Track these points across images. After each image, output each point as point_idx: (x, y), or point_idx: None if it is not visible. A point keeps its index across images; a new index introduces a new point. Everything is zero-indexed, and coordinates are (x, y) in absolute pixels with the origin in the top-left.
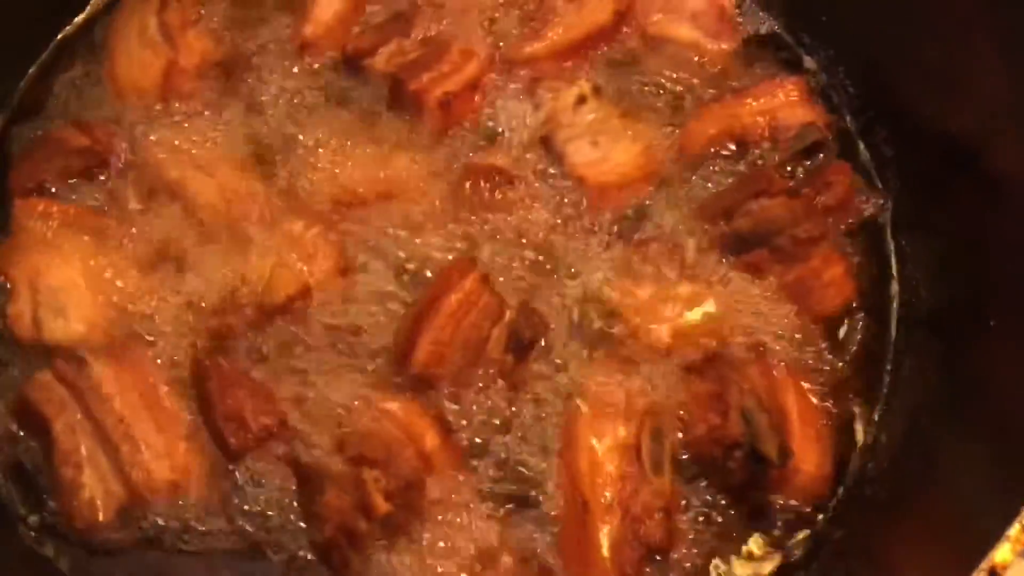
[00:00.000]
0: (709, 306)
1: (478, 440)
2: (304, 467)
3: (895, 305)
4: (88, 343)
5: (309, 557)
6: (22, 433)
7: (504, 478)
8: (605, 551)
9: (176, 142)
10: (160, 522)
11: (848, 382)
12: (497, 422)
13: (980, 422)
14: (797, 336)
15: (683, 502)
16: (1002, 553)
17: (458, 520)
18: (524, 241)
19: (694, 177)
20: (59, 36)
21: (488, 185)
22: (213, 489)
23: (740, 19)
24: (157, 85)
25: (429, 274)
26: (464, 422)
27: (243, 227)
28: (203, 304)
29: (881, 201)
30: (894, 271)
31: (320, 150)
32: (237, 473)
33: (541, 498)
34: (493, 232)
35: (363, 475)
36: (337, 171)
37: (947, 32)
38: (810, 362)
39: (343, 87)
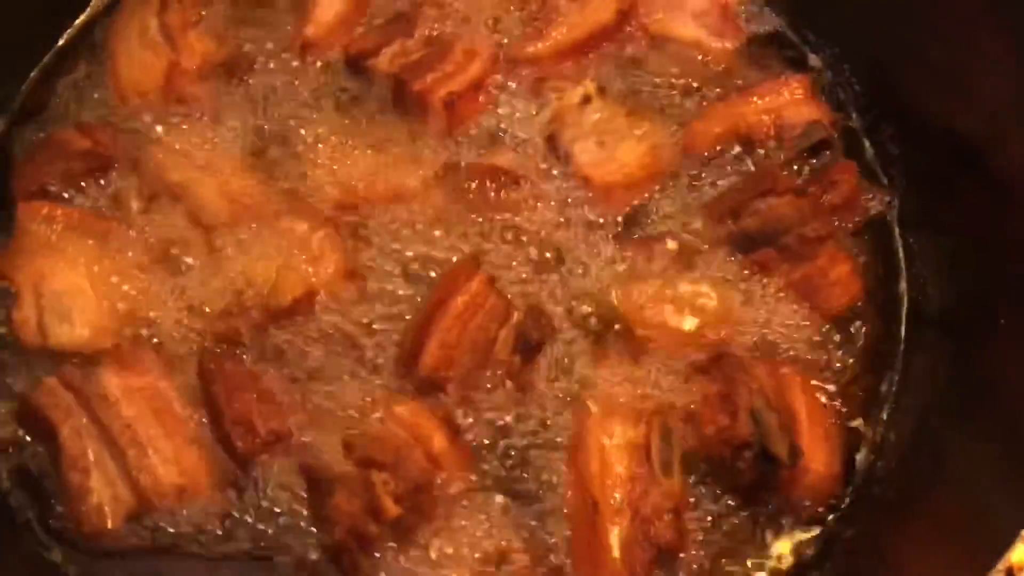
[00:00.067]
0: (716, 305)
1: (486, 442)
2: (313, 470)
3: (903, 303)
4: (94, 348)
5: (318, 561)
6: (28, 439)
7: (513, 480)
8: (616, 552)
9: (178, 144)
10: (168, 527)
11: (856, 381)
12: (505, 424)
13: (991, 421)
14: (804, 335)
15: (692, 502)
16: (1019, 554)
17: (467, 522)
18: (530, 241)
19: (700, 176)
20: (60, 38)
21: (493, 186)
22: (221, 494)
23: (744, 17)
24: (159, 87)
25: (435, 275)
26: (472, 424)
27: (247, 229)
28: (208, 307)
29: (887, 199)
30: (902, 269)
31: (323, 151)
32: (245, 477)
33: (550, 499)
34: (499, 233)
35: (372, 478)
36: (341, 172)
37: (953, 30)
38: (818, 361)
39: (346, 88)
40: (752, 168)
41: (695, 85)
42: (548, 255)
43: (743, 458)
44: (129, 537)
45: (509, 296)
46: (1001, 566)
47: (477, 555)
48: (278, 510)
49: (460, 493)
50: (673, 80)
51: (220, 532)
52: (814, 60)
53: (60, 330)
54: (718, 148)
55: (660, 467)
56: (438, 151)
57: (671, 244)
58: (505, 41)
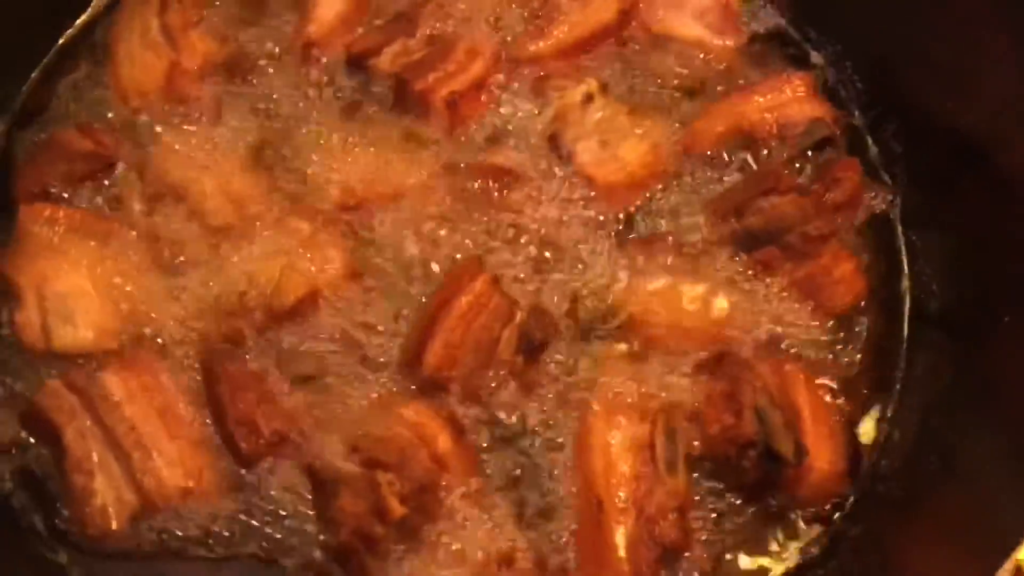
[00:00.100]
0: (720, 304)
1: (491, 442)
2: (317, 471)
3: (906, 302)
4: (97, 349)
5: (323, 562)
6: (32, 441)
7: (518, 479)
8: (621, 551)
9: (180, 144)
10: (173, 529)
11: (860, 379)
12: (509, 423)
13: (996, 419)
14: (808, 333)
15: (697, 501)
16: None
17: (472, 522)
18: (532, 241)
19: (702, 175)
20: (61, 38)
21: (496, 185)
22: (226, 495)
23: (745, 15)
24: (160, 87)
25: (438, 275)
26: (476, 424)
27: (250, 229)
28: (211, 308)
29: (890, 197)
30: (904, 267)
31: (325, 151)
32: (249, 478)
33: (555, 499)
34: (501, 232)
35: (377, 478)
36: (343, 172)
37: (955, 28)
38: (821, 359)
39: (348, 88)
40: (755, 167)
41: (697, 84)
42: (551, 254)
43: (748, 457)
44: (134, 539)
45: (512, 296)
46: (1008, 565)
47: (482, 555)
48: (283, 512)
49: (465, 493)
50: (675, 79)
51: (225, 534)
52: (816, 58)
53: (63, 332)
54: (720, 147)
55: (665, 466)
56: (440, 151)
57: (674, 243)
58: (508, 39)
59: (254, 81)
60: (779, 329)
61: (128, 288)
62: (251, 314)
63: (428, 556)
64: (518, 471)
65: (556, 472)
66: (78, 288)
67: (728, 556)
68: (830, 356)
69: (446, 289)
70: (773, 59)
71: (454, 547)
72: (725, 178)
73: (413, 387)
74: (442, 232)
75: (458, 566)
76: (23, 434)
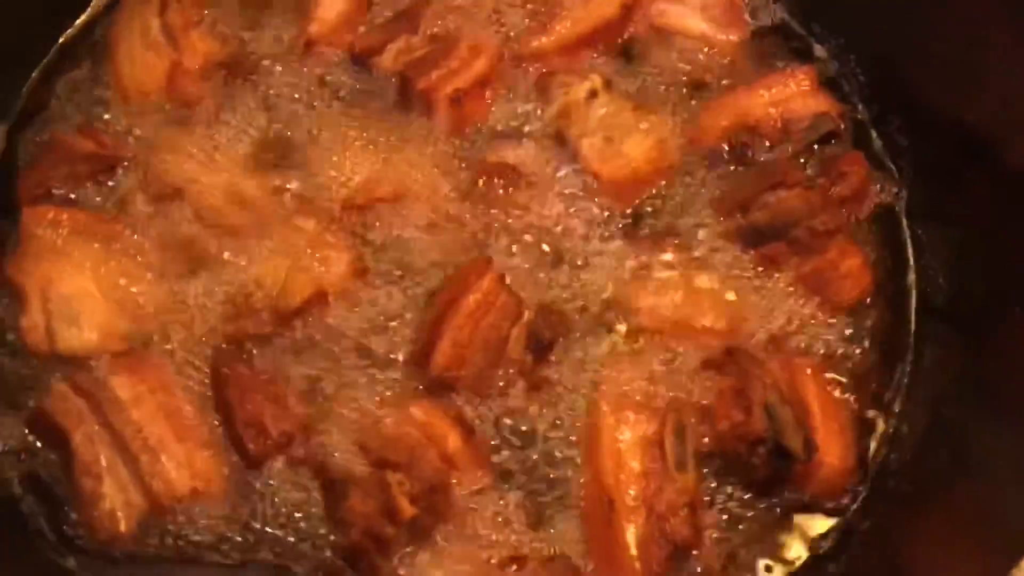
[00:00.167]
0: (727, 300)
1: (500, 441)
2: (327, 472)
3: (912, 295)
4: (103, 352)
5: (334, 564)
6: (39, 445)
7: (528, 478)
8: (633, 550)
9: (183, 145)
10: (182, 532)
11: (868, 373)
12: (519, 422)
13: (1007, 412)
14: (815, 328)
15: (708, 498)
16: None
17: (483, 521)
18: (539, 238)
19: (708, 170)
20: (61, 38)
21: (501, 183)
22: (235, 497)
23: (748, 9)
24: (161, 87)
25: (445, 274)
26: (486, 423)
27: (255, 230)
28: (218, 309)
29: (895, 190)
30: (911, 261)
31: (329, 150)
32: (258, 480)
33: (565, 497)
34: (507, 230)
35: (387, 478)
36: (347, 171)
37: (960, 21)
38: (829, 354)
39: (351, 86)
40: (760, 161)
41: (701, 78)
42: (557, 252)
43: (758, 453)
44: (142, 543)
45: (519, 294)
46: None
47: (493, 555)
48: (294, 514)
49: (475, 493)
50: (679, 74)
51: (234, 537)
52: (819, 51)
53: (68, 335)
54: (725, 142)
55: (674, 463)
56: (445, 148)
57: (680, 238)
58: (511, 35)
59: (256, 81)
60: (786, 324)
61: (133, 290)
62: (258, 315)
63: (438, 555)
64: (527, 470)
65: (566, 471)
66: (82, 290)
67: (738, 552)
68: (838, 351)
69: (453, 288)
70: (776, 53)
71: (464, 547)
72: (730, 173)
73: (421, 387)
74: (448, 230)
75: (468, 565)
76: (30, 439)
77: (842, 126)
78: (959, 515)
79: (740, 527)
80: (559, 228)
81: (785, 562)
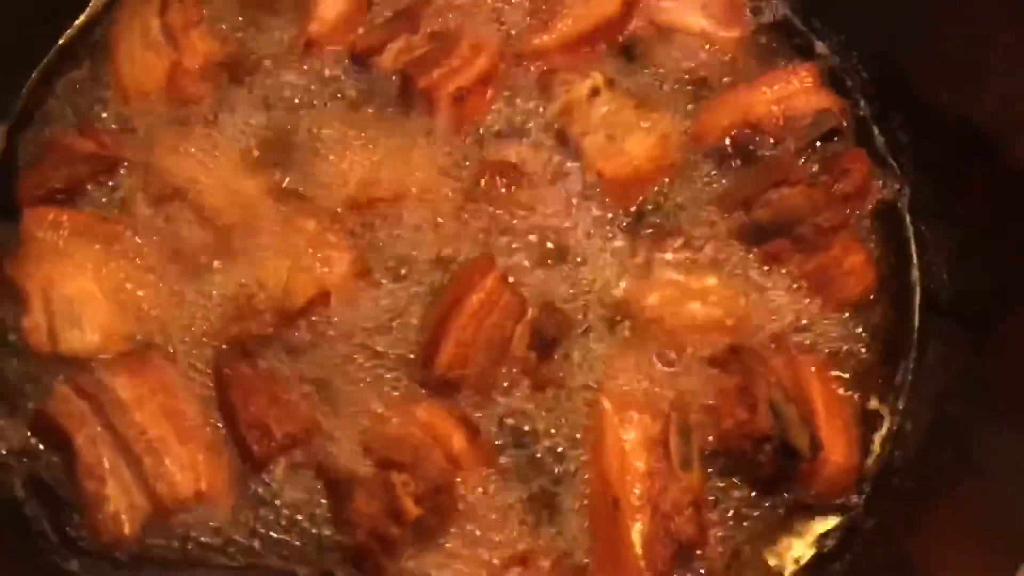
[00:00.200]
0: (730, 297)
1: (505, 440)
2: (331, 473)
3: (915, 292)
4: (106, 353)
5: (338, 565)
6: (42, 447)
7: (533, 478)
8: (638, 549)
9: (183, 145)
10: (186, 534)
11: (872, 371)
12: (523, 422)
13: (1011, 410)
14: (819, 325)
15: (712, 497)
16: None
17: (488, 522)
18: (541, 237)
19: (710, 168)
20: (60, 39)
21: (503, 181)
22: (239, 499)
23: (749, 6)
24: (161, 87)
25: (448, 273)
26: (490, 423)
27: (256, 231)
28: (220, 310)
29: (898, 187)
30: (914, 258)
31: (330, 150)
32: (262, 482)
33: (570, 497)
34: (510, 229)
35: (391, 479)
36: (349, 171)
37: (962, 18)
38: (833, 351)
39: (352, 85)
40: (762, 158)
41: (703, 75)
42: (560, 250)
43: (763, 451)
44: (146, 546)
45: (523, 293)
46: None
47: (498, 555)
48: (298, 515)
49: (480, 493)
50: (680, 71)
51: (238, 539)
52: (821, 48)
53: (70, 336)
54: (728, 139)
55: (679, 462)
56: (446, 147)
57: (683, 236)
58: (512, 33)
59: (257, 81)
60: (790, 322)
61: (135, 291)
62: (260, 316)
63: (443, 556)
64: (532, 469)
65: (570, 469)
66: (84, 292)
67: (743, 550)
68: (841, 348)
69: (457, 287)
70: (778, 50)
71: (469, 548)
72: (733, 171)
73: (426, 387)
74: (450, 230)
75: (473, 565)
76: (32, 441)
77: (844, 123)
78: (964, 513)
79: (745, 525)
80: (562, 227)
81: (790, 560)
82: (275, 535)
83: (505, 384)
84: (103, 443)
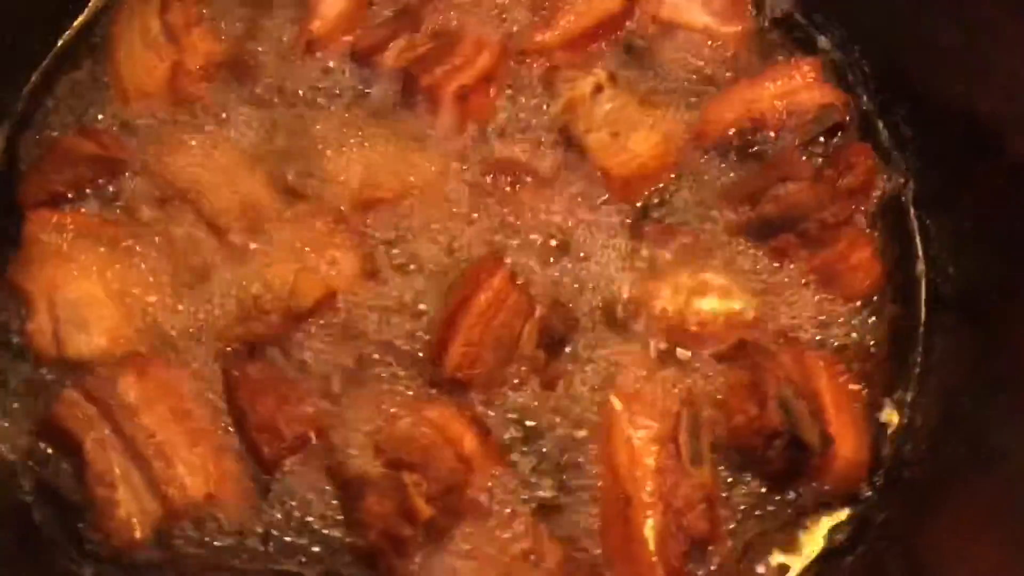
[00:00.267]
0: (736, 293)
1: (516, 439)
2: (342, 474)
3: (922, 286)
4: (113, 357)
5: (350, 566)
6: (50, 452)
7: (544, 476)
8: (651, 545)
9: (186, 146)
10: (197, 537)
11: (880, 365)
12: (533, 420)
13: (1022, 403)
14: (826, 321)
15: (724, 493)
16: None
17: (500, 520)
18: (547, 235)
19: (715, 164)
20: (60, 40)
21: (508, 179)
22: (250, 501)
23: (751, 1)
24: (162, 88)
25: (455, 272)
26: (500, 422)
27: (261, 231)
28: (227, 312)
29: (902, 180)
30: (919, 251)
31: (334, 149)
32: (273, 483)
33: (581, 494)
34: (515, 227)
35: (403, 479)
36: (353, 170)
37: (964, 13)
38: (840, 346)
39: (354, 84)
40: (767, 154)
41: (706, 71)
42: (566, 248)
43: (773, 447)
44: (158, 549)
45: (530, 291)
46: None
47: (509, 553)
48: (309, 516)
49: (491, 492)
50: (683, 67)
51: (250, 542)
52: (823, 42)
53: (76, 339)
54: (731, 135)
55: (690, 458)
56: (450, 145)
57: (689, 233)
58: (514, 31)
59: (258, 80)
60: (797, 317)
61: (140, 293)
62: (267, 317)
63: (455, 555)
64: (543, 468)
65: (581, 468)
66: (89, 295)
67: (755, 545)
68: (849, 343)
69: (464, 287)
70: (781, 45)
71: (482, 546)
72: (737, 167)
73: (435, 386)
74: (456, 228)
75: (486, 564)
76: (41, 446)
77: (848, 118)
78: (975, 506)
79: (756, 521)
80: (567, 224)
81: (801, 555)
82: (286, 537)
83: (515, 382)
84: (112, 447)
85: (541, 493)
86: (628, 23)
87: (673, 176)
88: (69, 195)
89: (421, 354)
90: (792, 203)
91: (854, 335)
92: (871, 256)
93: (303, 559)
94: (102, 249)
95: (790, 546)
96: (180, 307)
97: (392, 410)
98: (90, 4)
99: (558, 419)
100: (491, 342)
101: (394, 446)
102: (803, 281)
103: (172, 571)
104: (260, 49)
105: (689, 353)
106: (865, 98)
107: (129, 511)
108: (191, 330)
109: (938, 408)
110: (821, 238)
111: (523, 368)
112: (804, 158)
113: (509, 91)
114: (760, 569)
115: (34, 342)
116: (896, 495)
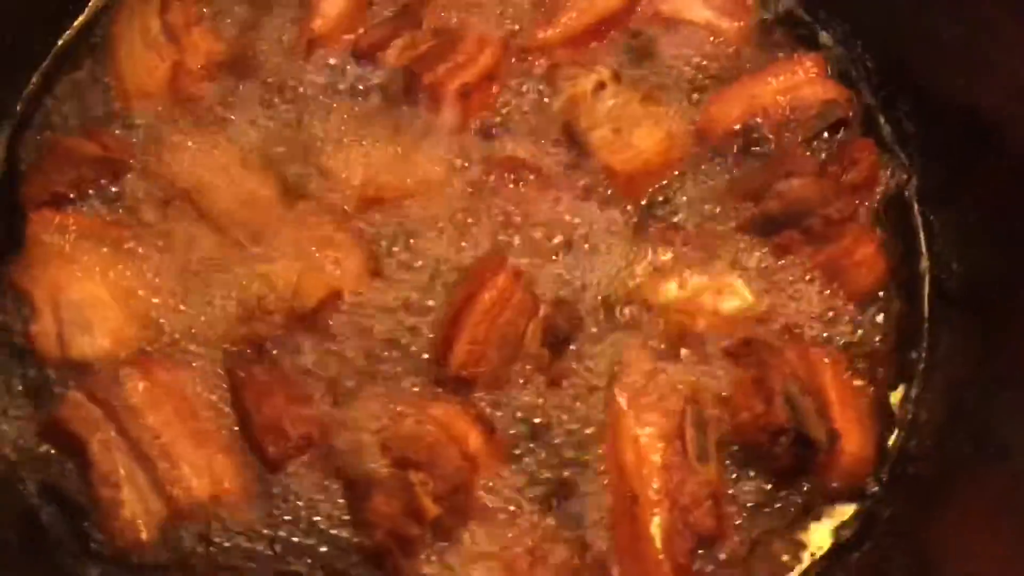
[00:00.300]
0: (741, 290)
1: (521, 438)
2: (348, 474)
3: (926, 281)
4: (117, 358)
5: (357, 566)
6: (52, 453)
7: (550, 474)
8: (658, 542)
9: (188, 146)
10: (203, 538)
11: (884, 360)
12: (539, 418)
13: None
14: (831, 317)
15: (730, 490)
16: None
17: (506, 519)
18: (551, 233)
19: (718, 159)
20: (60, 40)
21: (511, 177)
22: (256, 502)
23: None
24: (163, 88)
25: (459, 270)
26: (505, 420)
27: (265, 231)
28: (231, 312)
29: (905, 176)
30: (923, 247)
31: (336, 148)
32: (279, 483)
33: (588, 492)
34: (519, 225)
35: (410, 478)
36: (356, 169)
37: (967, 6)
38: (845, 342)
39: (356, 83)
40: (770, 150)
41: (708, 67)
42: (570, 245)
43: (779, 443)
44: (163, 550)
45: (534, 289)
46: None
47: (516, 551)
48: (315, 517)
49: (498, 490)
50: (686, 63)
51: (256, 543)
52: (825, 38)
53: (80, 341)
54: (735, 131)
55: (695, 455)
56: (453, 144)
57: (693, 229)
58: (516, 28)
59: (260, 79)
60: (802, 313)
61: (144, 294)
62: (271, 317)
63: (463, 554)
64: (549, 466)
65: (588, 466)
66: (93, 296)
67: (762, 542)
68: (854, 338)
69: (469, 285)
70: (783, 41)
71: (489, 544)
72: (741, 163)
73: (440, 385)
74: (460, 226)
75: (493, 563)
76: (46, 447)
77: (851, 113)
78: (982, 501)
79: (762, 517)
80: (571, 222)
81: (808, 551)
82: (293, 537)
83: (521, 381)
84: (117, 448)
85: (547, 490)
86: (630, 20)
87: (676, 173)
88: (71, 196)
89: (426, 353)
90: (796, 199)
91: (859, 331)
92: (875, 252)
93: (309, 560)
94: (105, 250)
95: (796, 543)
96: (183, 308)
97: (397, 409)
98: (90, 4)
99: (563, 417)
100: (496, 340)
101: (399, 445)
102: (807, 277)
103: (178, 572)
104: (261, 48)
105: (694, 350)
106: (867, 93)
107: (134, 512)
108: (195, 331)
109: (943, 403)
110: (825, 234)
111: (528, 366)
112: (807, 154)
113: (511, 89)
114: (767, 566)
115: (38, 344)
116: (902, 491)
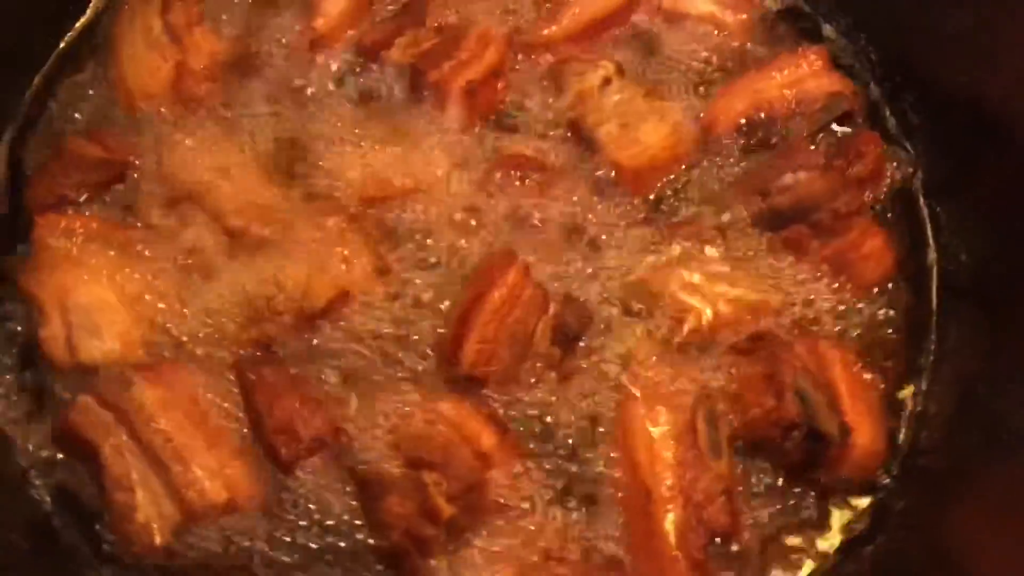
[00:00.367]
0: (749, 284)
1: (533, 436)
2: (361, 474)
3: (934, 274)
4: (127, 362)
5: (372, 567)
6: (61, 457)
7: (562, 472)
8: (672, 539)
9: (192, 146)
10: (217, 541)
11: (894, 353)
12: (551, 416)
13: None
14: (839, 310)
15: (742, 485)
16: None
17: (519, 517)
18: (559, 229)
19: (725, 154)
20: (61, 42)
21: (518, 174)
22: (268, 503)
23: None
24: (166, 88)
25: (468, 268)
26: (517, 418)
27: (271, 231)
28: (239, 313)
29: (911, 168)
30: (930, 239)
31: (342, 147)
32: (292, 485)
33: (601, 489)
34: (527, 222)
35: (423, 478)
36: (362, 168)
37: (970, 3)
38: (854, 336)
39: (360, 81)
40: (776, 144)
41: (713, 61)
42: (578, 242)
43: (791, 438)
44: (178, 554)
45: (543, 286)
46: None
47: (532, 550)
48: (328, 520)
49: (510, 488)
50: (691, 57)
51: (270, 542)
52: (828, 31)
53: (89, 345)
54: (740, 125)
55: (708, 451)
56: (459, 141)
57: (701, 224)
58: (520, 24)
59: (263, 79)
60: (810, 307)
61: (152, 297)
62: (280, 317)
63: (475, 553)
64: (562, 464)
65: (600, 462)
66: (101, 299)
67: (775, 537)
68: (863, 332)
69: (479, 283)
70: (787, 35)
71: (503, 543)
72: (747, 157)
73: (451, 383)
74: (468, 224)
75: (508, 562)
76: (58, 454)
77: (856, 106)
78: (994, 493)
79: (775, 511)
80: (579, 218)
81: (821, 544)
82: (307, 540)
83: (532, 380)
84: (130, 453)
85: (560, 488)
86: (634, 14)
87: (684, 167)
88: (77, 199)
89: (437, 352)
90: (803, 193)
91: (868, 324)
92: (883, 245)
93: (325, 561)
94: (112, 253)
95: (810, 536)
96: (192, 309)
97: (408, 409)
98: (91, 5)
99: (575, 415)
100: (506, 339)
101: (412, 445)
102: (816, 271)
103: (192, 575)
104: (264, 48)
105: (705, 345)
106: (873, 86)
107: (148, 515)
108: (204, 333)
109: (953, 395)
110: (833, 228)
111: (539, 364)
112: (813, 147)
113: (518, 85)
114: (780, 560)
115: (47, 348)
116: (914, 483)
